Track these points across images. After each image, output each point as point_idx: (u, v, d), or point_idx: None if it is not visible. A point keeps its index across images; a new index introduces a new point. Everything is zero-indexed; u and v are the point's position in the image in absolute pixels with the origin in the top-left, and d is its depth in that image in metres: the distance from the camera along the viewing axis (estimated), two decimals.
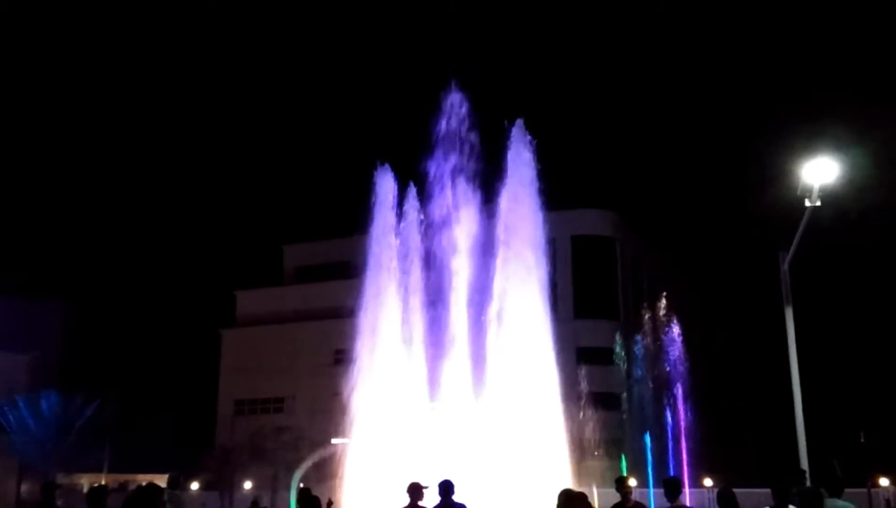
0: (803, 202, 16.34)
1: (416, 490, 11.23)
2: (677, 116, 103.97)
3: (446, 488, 10.92)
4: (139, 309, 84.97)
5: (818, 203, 16.19)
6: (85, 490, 43.39)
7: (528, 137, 22.89)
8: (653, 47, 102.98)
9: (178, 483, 13.74)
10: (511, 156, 22.83)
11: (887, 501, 30.84)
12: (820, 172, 16.04)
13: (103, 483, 38.49)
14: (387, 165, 23.57)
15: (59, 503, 11.75)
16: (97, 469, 46.34)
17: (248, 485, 41.40)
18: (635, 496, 12.38)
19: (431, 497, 11.17)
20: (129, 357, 61.66)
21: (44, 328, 49.29)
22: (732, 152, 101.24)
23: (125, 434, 46.83)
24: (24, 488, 43.03)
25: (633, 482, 12.67)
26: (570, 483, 19.59)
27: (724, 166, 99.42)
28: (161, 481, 12.95)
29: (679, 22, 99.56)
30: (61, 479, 42.45)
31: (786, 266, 17.53)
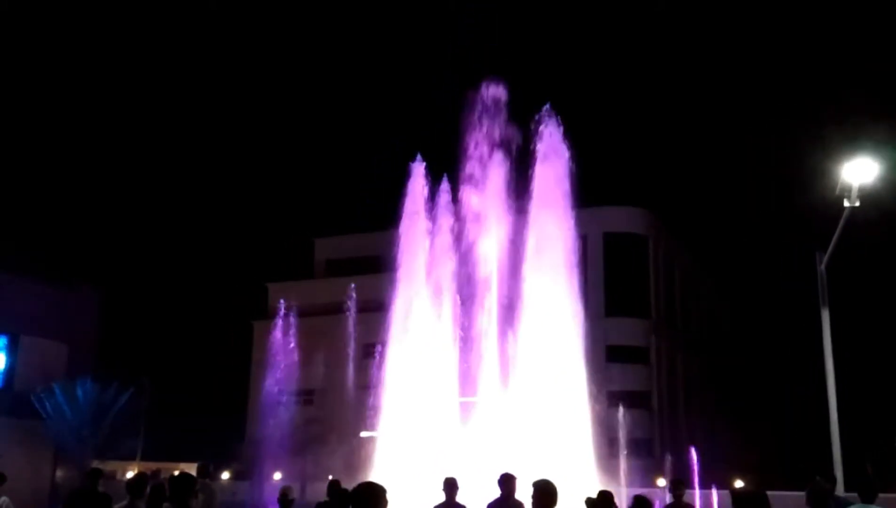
0: (842, 202, 16.12)
1: (452, 486, 10.82)
2: (714, 114, 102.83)
3: (506, 480, 10.42)
4: (174, 300, 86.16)
5: (857, 203, 15.96)
6: (118, 477, 44.11)
7: (562, 132, 22.83)
8: (691, 43, 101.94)
9: (208, 472, 13.90)
10: (543, 151, 22.76)
11: None
12: (859, 172, 15.82)
13: (138, 471, 39.08)
14: (419, 160, 23.64)
15: (101, 489, 11.94)
16: (130, 457, 47.07)
17: (277, 476, 41.78)
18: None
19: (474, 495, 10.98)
20: (163, 347, 62.62)
21: (79, 317, 50.01)
22: (770, 151, 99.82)
23: (158, 423, 47.52)
24: (58, 474, 43.80)
25: (661, 481, 12.66)
26: (597, 481, 19.52)
27: (761, 165, 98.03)
28: (192, 469, 13.09)
29: (719, 17, 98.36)
30: (96, 465, 43.14)
31: (823, 267, 17.30)
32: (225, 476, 43.37)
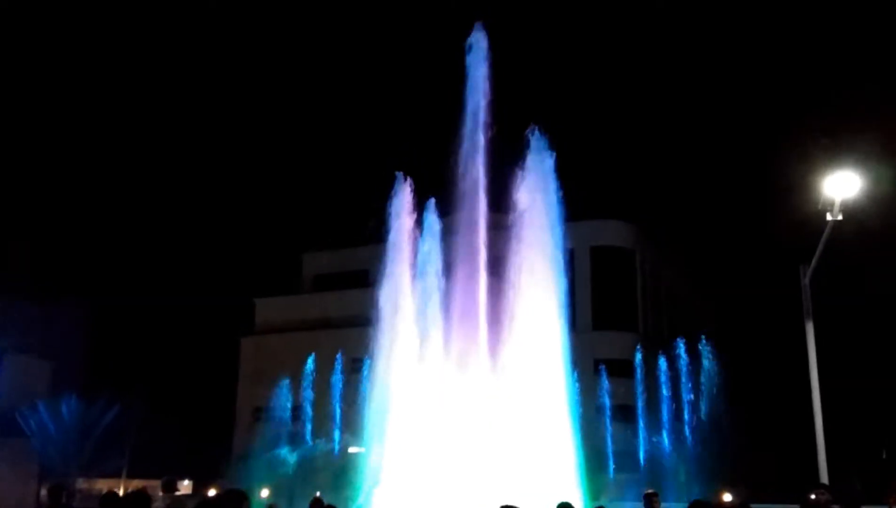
0: (825, 216, 16.28)
1: None
2: (699, 128, 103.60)
3: None
4: (159, 316, 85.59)
5: (840, 217, 16.13)
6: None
7: (547, 147, 22.93)
8: (674, 59, 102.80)
9: (173, 487, 13.77)
10: (530, 165, 22.85)
11: None
12: (842, 185, 15.99)
13: (119, 489, 38.75)
14: (405, 175, 23.69)
15: (64, 501, 11.83)
16: (116, 475, 46.70)
17: (265, 493, 41.54)
18: None
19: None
20: (148, 364, 62.13)
21: (65, 333, 49.77)
22: (754, 165, 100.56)
23: (145, 440, 47.14)
24: (43, 492, 43.44)
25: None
26: (586, 496, 19.53)
27: (745, 179, 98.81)
28: (180, 487, 13.02)
29: (701, 34, 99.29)
30: (81, 484, 42.77)
31: (807, 280, 17.44)
32: (211, 493, 43.02)
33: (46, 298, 52.42)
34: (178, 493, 13.92)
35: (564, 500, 9.46)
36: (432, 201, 23.59)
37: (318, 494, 27.89)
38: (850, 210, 16.19)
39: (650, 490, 12.93)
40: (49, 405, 41.36)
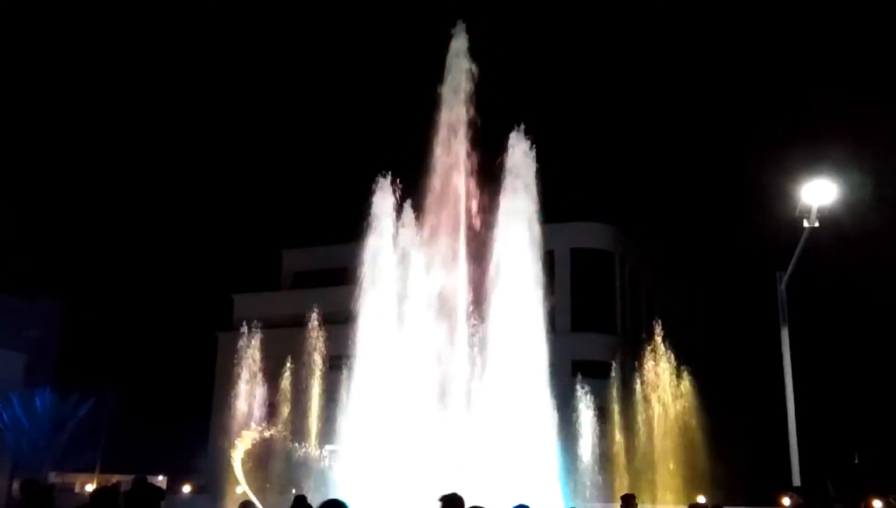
0: (802, 223, 16.44)
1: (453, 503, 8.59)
2: (679, 133, 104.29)
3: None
4: (137, 310, 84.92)
5: (816, 224, 16.30)
6: (76, 489, 43.33)
7: (528, 149, 22.99)
8: (655, 62, 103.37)
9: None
10: (510, 167, 22.92)
11: None
12: (818, 193, 16.17)
13: (92, 484, 38.36)
14: (385, 173, 23.68)
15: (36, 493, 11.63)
16: (90, 469, 46.29)
17: (239, 489, 41.31)
18: None
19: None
20: (125, 358, 61.67)
21: (41, 326, 49.26)
22: (733, 171, 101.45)
23: (120, 435, 46.75)
24: (15, 486, 43.00)
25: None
26: (564, 496, 19.61)
27: (724, 185, 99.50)
28: (154, 482, 12.93)
29: (680, 39, 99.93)
30: (53, 478, 42.39)
31: (783, 286, 17.61)
32: (186, 489, 42.75)
33: (21, 289, 51.91)
34: None
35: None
36: (411, 199, 23.61)
37: (294, 491, 27.83)
38: (826, 217, 16.36)
39: (627, 493, 13.07)
40: (22, 397, 40.93)
